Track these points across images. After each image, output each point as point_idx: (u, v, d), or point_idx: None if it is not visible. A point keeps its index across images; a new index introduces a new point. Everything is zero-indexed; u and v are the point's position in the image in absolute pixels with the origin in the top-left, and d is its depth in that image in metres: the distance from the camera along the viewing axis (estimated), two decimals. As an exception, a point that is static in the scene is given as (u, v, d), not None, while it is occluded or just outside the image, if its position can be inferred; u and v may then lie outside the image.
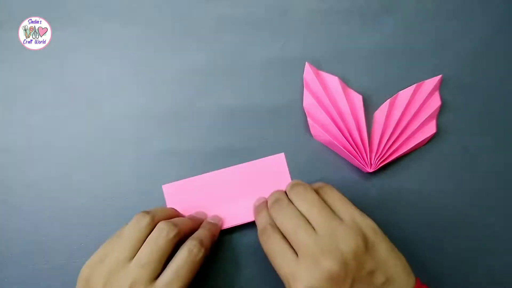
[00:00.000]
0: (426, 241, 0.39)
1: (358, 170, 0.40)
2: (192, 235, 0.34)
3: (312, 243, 0.31)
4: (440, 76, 0.41)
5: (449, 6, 0.43)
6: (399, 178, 0.40)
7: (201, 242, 0.33)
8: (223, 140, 0.41)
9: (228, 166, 0.40)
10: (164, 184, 0.40)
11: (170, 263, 0.32)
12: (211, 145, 0.41)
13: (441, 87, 0.41)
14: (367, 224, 0.32)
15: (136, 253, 0.32)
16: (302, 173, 0.40)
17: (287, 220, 0.33)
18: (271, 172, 0.40)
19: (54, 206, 0.40)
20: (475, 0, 0.43)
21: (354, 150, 0.39)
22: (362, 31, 0.42)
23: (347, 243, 0.30)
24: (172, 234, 0.33)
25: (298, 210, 0.33)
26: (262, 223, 0.35)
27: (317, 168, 0.41)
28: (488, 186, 0.40)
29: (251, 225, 0.39)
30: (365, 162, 0.39)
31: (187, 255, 0.32)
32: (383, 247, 0.31)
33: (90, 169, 0.41)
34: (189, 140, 0.41)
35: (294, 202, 0.34)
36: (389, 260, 0.31)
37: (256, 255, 0.39)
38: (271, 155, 0.40)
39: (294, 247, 0.32)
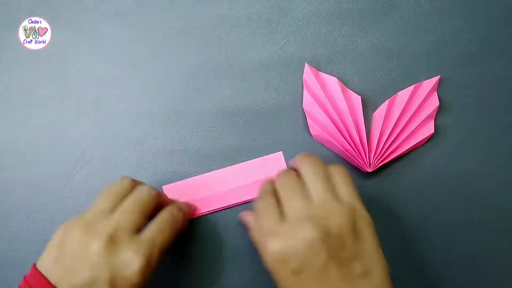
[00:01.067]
0: (424, 241, 0.40)
1: (357, 170, 0.41)
2: (171, 203, 0.36)
3: (303, 208, 0.30)
4: (438, 76, 0.41)
5: (448, 6, 0.43)
6: (397, 178, 0.41)
7: (179, 208, 0.35)
8: (223, 140, 0.41)
9: (228, 166, 0.40)
10: (164, 184, 0.40)
11: (152, 221, 0.33)
12: (211, 145, 0.41)
13: (439, 87, 0.42)
14: (364, 216, 0.30)
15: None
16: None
17: (287, 185, 0.32)
18: (270, 171, 0.40)
19: (55, 206, 0.40)
20: (474, 0, 0.43)
21: (353, 150, 0.39)
22: (361, 31, 0.43)
23: (337, 219, 0.29)
24: (154, 192, 0.34)
25: (302, 181, 0.32)
26: (263, 190, 0.34)
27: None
28: (486, 187, 0.41)
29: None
30: (364, 162, 0.39)
31: (169, 214, 0.34)
32: (370, 242, 0.30)
33: (90, 169, 0.41)
34: (189, 140, 0.41)
35: (301, 168, 0.33)
36: (372, 255, 0.30)
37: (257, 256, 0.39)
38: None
39: (284, 211, 0.31)
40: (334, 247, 0.29)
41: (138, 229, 0.31)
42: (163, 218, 0.33)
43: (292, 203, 0.31)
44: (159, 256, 0.31)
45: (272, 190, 0.34)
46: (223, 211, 0.40)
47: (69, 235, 0.31)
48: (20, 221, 0.40)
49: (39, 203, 0.40)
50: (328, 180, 0.32)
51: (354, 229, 0.30)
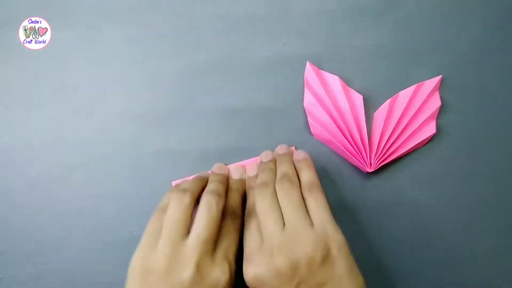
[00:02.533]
0: (424, 241, 0.40)
1: (357, 170, 0.40)
2: (205, 189, 0.35)
3: (275, 236, 0.32)
4: (440, 76, 0.41)
5: (449, 6, 0.43)
6: (398, 179, 0.40)
7: (218, 194, 0.35)
8: (223, 140, 0.41)
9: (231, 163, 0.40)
10: (165, 182, 0.40)
11: (219, 233, 0.34)
12: (211, 145, 0.41)
13: (441, 87, 0.41)
14: (335, 238, 0.31)
15: (187, 227, 0.33)
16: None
17: (264, 208, 0.33)
18: None
19: (55, 206, 0.40)
20: (475, 0, 0.43)
21: (354, 149, 0.39)
22: (363, 31, 0.42)
23: (306, 249, 0.30)
24: (221, 205, 0.34)
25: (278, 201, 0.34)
26: (248, 205, 0.36)
27: (317, 168, 0.40)
28: (487, 187, 0.40)
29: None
30: (365, 162, 0.39)
31: (229, 219, 0.35)
32: (342, 265, 0.31)
33: (90, 169, 0.41)
34: (189, 140, 0.41)
35: (277, 193, 0.34)
36: (343, 279, 0.30)
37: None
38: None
39: (262, 232, 0.33)
40: (303, 275, 0.30)
41: (215, 241, 0.33)
42: (226, 225, 0.34)
43: (268, 227, 0.32)
44: (235, 257, 0.33)
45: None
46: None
47: (152, 271, 0.31)
48: (20, 221, 0.40)
49: (38, 203, 0.40)
50: (301, 205, 0.33)
51: (325, 257, 0.31)
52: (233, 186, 0.38)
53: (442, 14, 0.42)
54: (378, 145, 0.39)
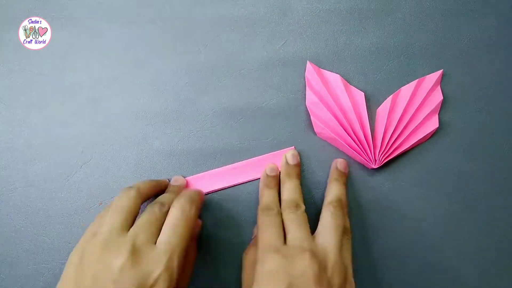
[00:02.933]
0: (429, 237, 0.39)
1: (362, 166, 0.40)
2: (180, 195, 0.35)
3: (305, 240, 0.33)
4: (441, 71, 0.41)
5: (449, 5, 0.43)
6: (402, 174, 0.40)
7: (190, 199, 0.34)
8: (223, 140, 0.41)
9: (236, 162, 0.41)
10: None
11: (166, 223, 0.33)
12: (211, 145, 0.41)
13: (442, 82, 0.41)
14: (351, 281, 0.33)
15: (129, 222, 0.32)
16: (306, 171, 0.40)
17: (296, 226, 0.34)
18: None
19: (54, 206, 0.40)
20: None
21: (358, 146, 0.39)
22: (362, 31, 0.42)
23: (333, 258, 0.32)
24: (166, 207, 0.34)
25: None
26: (269, 200, 0.37)
27: (321, 166, 0.40)
28: (490, 181, 0.40)
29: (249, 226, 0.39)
30: (370, 159, 0.39)
31: (181, 214, 0.33)
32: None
33: (90, 169, 0.40)
34: (189, 140, 0.41)
35: (325, 214, 0.35)
36: None
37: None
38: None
39: (286, 233, 0.33)
40: (324, 283, 0.31)
41: (155, 240, 0.32)
42: (176, 219, 0.33)
43: (296, 232, 0.33)
44: (178, 258, 0.31)
45: (277, 205, 0.36)
46: (222, 212, 0.40)
47: (86, 256, 0.30)
48: (20, 221, 0.40)
49: (38, 203, 0.40)
50: (340, 245, 0.34)
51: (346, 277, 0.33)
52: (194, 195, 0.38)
53: (441, 14, 0.42)
54: (382, 141, 0.39)
